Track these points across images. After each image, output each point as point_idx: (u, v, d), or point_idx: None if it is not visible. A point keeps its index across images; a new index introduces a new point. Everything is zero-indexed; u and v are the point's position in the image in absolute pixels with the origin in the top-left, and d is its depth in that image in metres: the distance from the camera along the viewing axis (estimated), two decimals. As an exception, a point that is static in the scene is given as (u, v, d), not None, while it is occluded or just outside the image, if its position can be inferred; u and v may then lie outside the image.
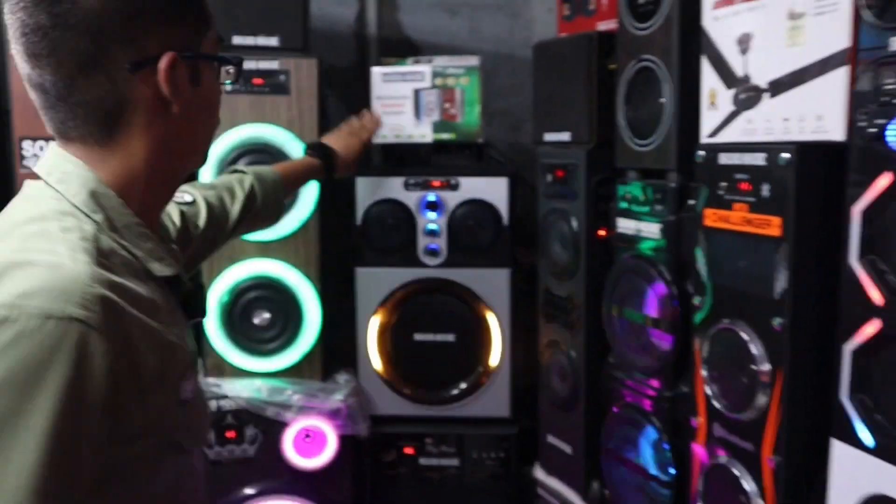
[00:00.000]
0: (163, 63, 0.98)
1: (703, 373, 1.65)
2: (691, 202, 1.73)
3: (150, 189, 1.04)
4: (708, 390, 1.63)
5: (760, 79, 1.52)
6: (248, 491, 2.38)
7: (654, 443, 1.89)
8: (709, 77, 1.65)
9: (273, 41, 2.28)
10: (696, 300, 1.67)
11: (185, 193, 1.52)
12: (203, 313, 1.15)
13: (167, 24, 0.99)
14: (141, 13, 0.97)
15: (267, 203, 1.79)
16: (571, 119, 2.14)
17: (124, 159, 1.01)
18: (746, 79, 1.55)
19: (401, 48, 3.33)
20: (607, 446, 2.05)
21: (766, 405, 1.50)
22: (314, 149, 2.12)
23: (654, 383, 1.89)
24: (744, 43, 1.54)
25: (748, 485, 1.55)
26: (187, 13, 1.03)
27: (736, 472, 1.57)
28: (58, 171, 1.00)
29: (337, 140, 2.20)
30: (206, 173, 2.26)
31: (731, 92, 1.59)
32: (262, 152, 2.29)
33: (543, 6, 3.44)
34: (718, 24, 1.61)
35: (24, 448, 0.80)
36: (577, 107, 2.11)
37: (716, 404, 1.61)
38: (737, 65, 1.57)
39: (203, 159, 1.14)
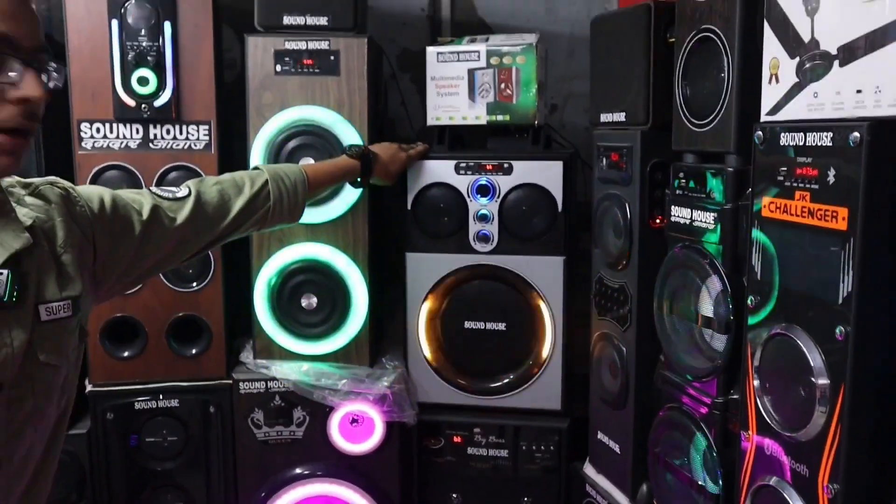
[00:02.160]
0: None
1: (755, 383, 1.35)
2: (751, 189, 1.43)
3: None
4: (759, 403, 1.34)
5: (830, 44, 1.20)
6: (296, 472, 2.22)
7: (703, 452, 1.61)
8: (771, 45, 1.33)
9: (323, 20, 2.08)
10: (750, 300, 1.37)
11: (182, 188, 1.55)
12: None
13: None
14: None
15: (282, 202, 1.73)
16: (627, 98, 1.85)
17: None
18: (814, 44, 1.23)
19: (474, 31, 3.08)
20: (654, 450, 1.77)
21: (825, 425, 1.19)
22: (354, 150, 2.00)
23: (705, 387, 1.60)
24: (811, 1, 1.23)
25: (801, 513, 1.25)
26: None
27: (787, 496, 1.27)
28: None
29: (382, 148, 2.09)
30: (255, 159, 2.10)
31: (796, 61, 1.27)
32: (311, 134, 2.10)
33: (620, -14, 3.12)
34: (783, -16, 1.30)
35: None
36: (633, 85, 1.82)
37: (767, 419, 1.32)
38: (803, 28, 1.25)
39: None
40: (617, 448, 1.98)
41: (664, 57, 1.74)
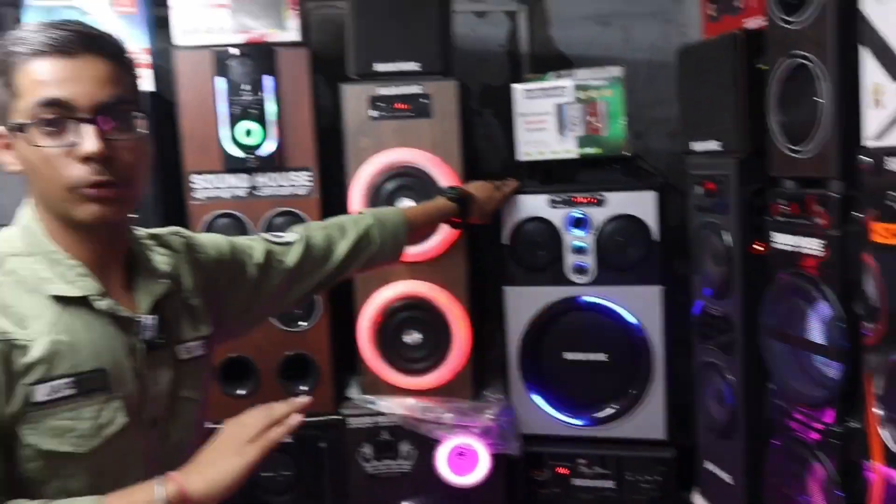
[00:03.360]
0: None
1: (877, 412, 1.32)
2: (857, 214, 1.41)
3: (54, 228, 1.18)
4: (883, 433, 1.31)
5: (936, 68, 1.19)
6: (405, 505, 2.28)
7: (822, 482, 1.57)
8: (872, 71, 1.32)
9: (414, 66, 2.15)
10: (866, 327, 1.35)
11: (290, 233, 1.64)
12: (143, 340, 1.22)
13: None
14: None
15: (384, 244, 1.79)
16: (720, 127, 1.84)
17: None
18: (919, 70, 1.23)
19: (553, 63, 3.12)
20: (771, 480, 1.74)
21: (955, 456, 1.17)
22: (452, 192, 2.05)
23: (821, 416, 1.57)
24: (913, 27, 1.22)
25: (934, 547, 1.22)
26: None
27: (918, 531, 1.24)
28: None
29: (478, 188, 2.13)
30: (355, 202, 2.18)
31: (900, 86, 1.26)
32: (407, 175, 2.17)
33: (698, 9, 3.11)
34: (882, 9, 1.29)
35: None
36: (725, 113, 1.81)
37: (894, 450, 1.29)
38: (905, 54, 1.25)
39: (64, 214, 1.16)
40: (727, 478, 1.96)
41: (755, 84, 1.73)
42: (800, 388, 1.62)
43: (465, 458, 2.24)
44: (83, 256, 1.19)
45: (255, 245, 1.55)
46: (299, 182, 2.20)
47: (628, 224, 2.13)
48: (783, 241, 1.62)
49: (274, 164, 2.17)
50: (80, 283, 1.17)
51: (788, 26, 1.55)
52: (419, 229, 1.96)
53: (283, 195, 2.20)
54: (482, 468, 2.24)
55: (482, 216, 2.12)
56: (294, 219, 2.19)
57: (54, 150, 1.12)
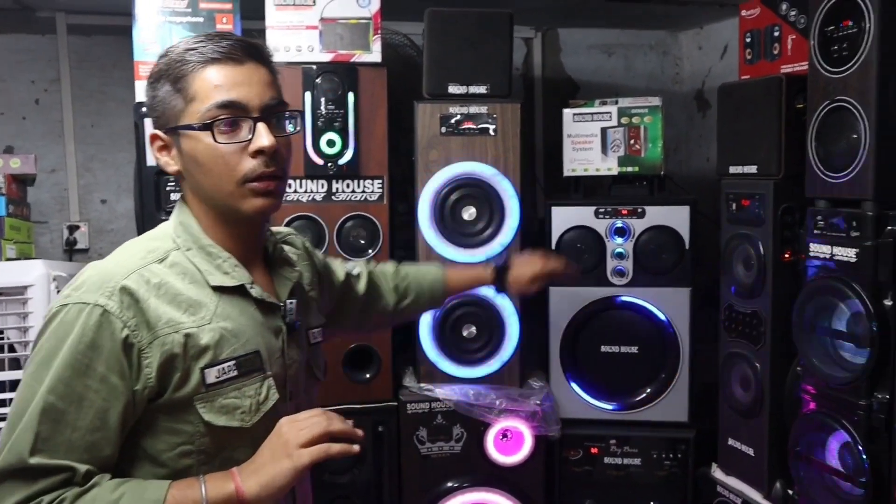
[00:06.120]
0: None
1: (912, 384, 1.70)
2: (890, 228, 1.80)
3: (208, 223, 1.33)
4: (917, 400, 1.69)
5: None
6: (455, 482, 2.54)
7: (846, 446, 1.94)
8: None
9: (482, 89, 2.45)
10: (903, 318, 1.72)
11: (357, 267, 1.84)
12: (286, 323, 1.38)
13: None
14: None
15: (420, 300, 1.96)
16: (758, 153, 2.21)
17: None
18: (955, 118, 1.61)
19: (563, 87, 3.49)
20: (796, 448, 2.11)
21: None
22: (496, 262, 2.15)
23: (846, 393, 1.94)
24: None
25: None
26: (164, 106, 1.30)
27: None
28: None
29: (520, 264, 2.11)
30: (423, 209, 2.44)
31: (940, 130, 1.65)
32: (471, 186, 2.45)
33: (692, 44, 3.54)
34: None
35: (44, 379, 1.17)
36: (764, 143, 2.18)
37: (925, 412, 1.67)
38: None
39: (228, 208, 1.30)
40: (751, 451, 2.32)
41: (793, 119, 2.11)
42: (828, 371, 1.99)
43: (509, 439, 2.54)
44: (233, 249, 1.33)
45: (338, 267, 1.78)
46: (371, 189, 2.45)
47: (664, 234, 2.48)
48: (820, 250, 1.99)
49: (351, 172, 2.42)
50: (235, 274, 1.31)
51: (831, 75, 1.92)
52: (456, 290, 2.08)
53: (356, 200, 2.44)
54: (526, 449, 2.53)
55: (519, 291, 2.14)
56: (365, 222, 2.44)
57: (230, 147, 1.24)
